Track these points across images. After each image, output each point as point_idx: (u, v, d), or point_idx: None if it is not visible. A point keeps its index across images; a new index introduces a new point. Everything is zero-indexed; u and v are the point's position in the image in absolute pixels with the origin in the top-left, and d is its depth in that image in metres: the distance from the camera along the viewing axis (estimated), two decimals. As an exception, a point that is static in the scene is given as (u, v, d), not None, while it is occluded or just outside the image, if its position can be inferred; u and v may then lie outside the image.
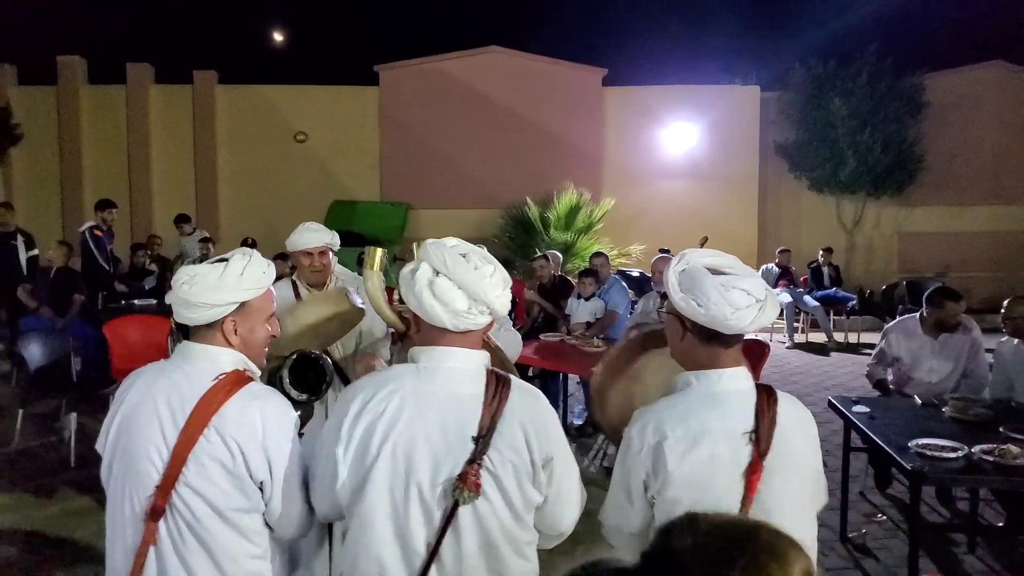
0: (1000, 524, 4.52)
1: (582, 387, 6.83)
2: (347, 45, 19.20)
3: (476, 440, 1.64)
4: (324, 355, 2.00)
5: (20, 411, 6.14)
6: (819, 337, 11.25)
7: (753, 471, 1.69)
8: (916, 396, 4.51)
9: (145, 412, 1.80)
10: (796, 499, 1.77)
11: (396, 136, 14.04)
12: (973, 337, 4.78)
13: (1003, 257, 13.84)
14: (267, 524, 1.85)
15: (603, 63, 14.35)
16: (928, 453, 3.44)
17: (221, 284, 1.84)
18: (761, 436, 1.70)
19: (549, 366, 6.05)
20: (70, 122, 13.53)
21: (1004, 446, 3.42)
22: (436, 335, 1.73)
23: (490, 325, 1.78)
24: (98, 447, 1.89)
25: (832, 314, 11.38)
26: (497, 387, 1.70)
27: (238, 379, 1.82)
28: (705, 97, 14.12)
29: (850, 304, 11.38)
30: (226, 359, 1.85)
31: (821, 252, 12.06)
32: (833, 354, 10.50)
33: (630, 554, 1.92)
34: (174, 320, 1.92)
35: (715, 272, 1.74)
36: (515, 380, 1.76)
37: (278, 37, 18.47)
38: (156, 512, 1.75)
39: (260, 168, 13.87)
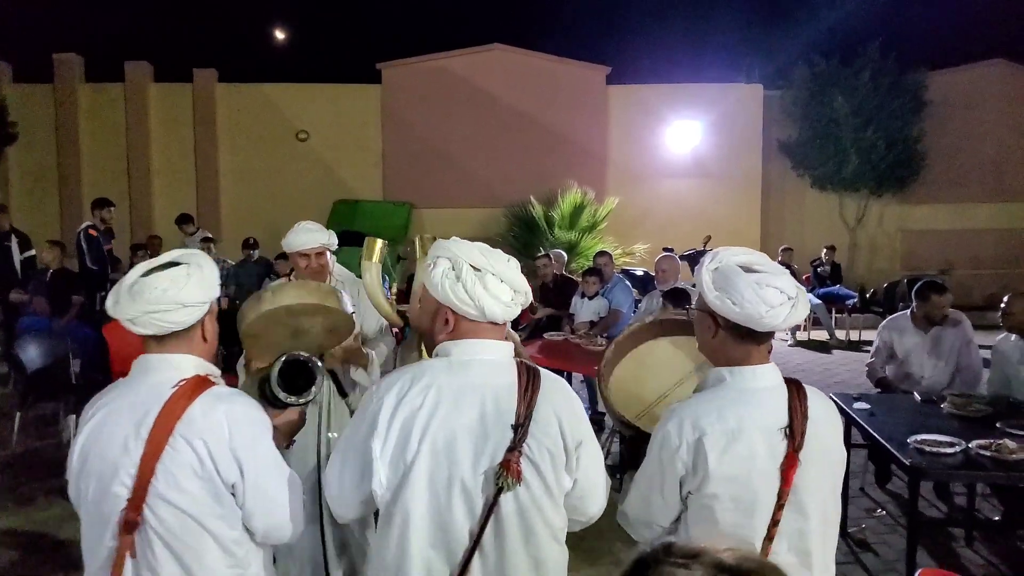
0: (997, 518, 4.56)
1: (586, 386, 6.82)
2: (349, 43, 19.20)
3: (515, 428, 1.67)
4: (314, 357, 1.98)
5: (18, 414, 6.13)
6: (821, 335, 11.24)
7: (789, 465, 1.72)
8: (916, 393, 4.51)
9: (109, 430, 1.75)
10: (829, 490, 1.82)
11: (399, 135, 14.03)
12: (963, 331, 4.81)
13: (1006, 254, 13.80)
14: (247, 530, 1.81)
15: (607, 61, 14.34)
16: (927, 449, 3.45)
17: (205, 280, 1.82)
18: (795, 431, 1.74)
19: (553, 365, 6.03)
20: (67, 121, 13.51)
21: (1001, 441, 3.45)
22: (469, 329, 1.77)
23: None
24: (68, 473, 1.83)
25: (834, 311, 11.37)
26: (529, 376, 1.74)
27: (200, 383, 1.77)
28: (709, 95, 14.09)
29: (852, 302, 11.36)
30: (187, 365, 1.81)
31: (825, 250, 12.06)
32: (835, 351, 10.49)
33: (647, 539, 1.94)
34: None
35: (748, 270, 1.77)
36: (543, 369, 1.80)
37: (279, 35, 18.47)
38: (130, 525, 1.71)
39: (261, 167, 13.85)
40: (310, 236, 3.45)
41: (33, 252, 8.90)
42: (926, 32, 16.12)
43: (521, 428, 1.68)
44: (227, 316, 3.61)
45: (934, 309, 4.77)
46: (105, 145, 13.61)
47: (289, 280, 3.59)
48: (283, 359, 1.93)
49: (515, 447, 1.67)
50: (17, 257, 8.63)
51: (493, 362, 1.76)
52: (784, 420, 1.75)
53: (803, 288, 1.82)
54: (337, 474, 1.79)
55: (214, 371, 1.87)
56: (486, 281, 1.74)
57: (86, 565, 1.83)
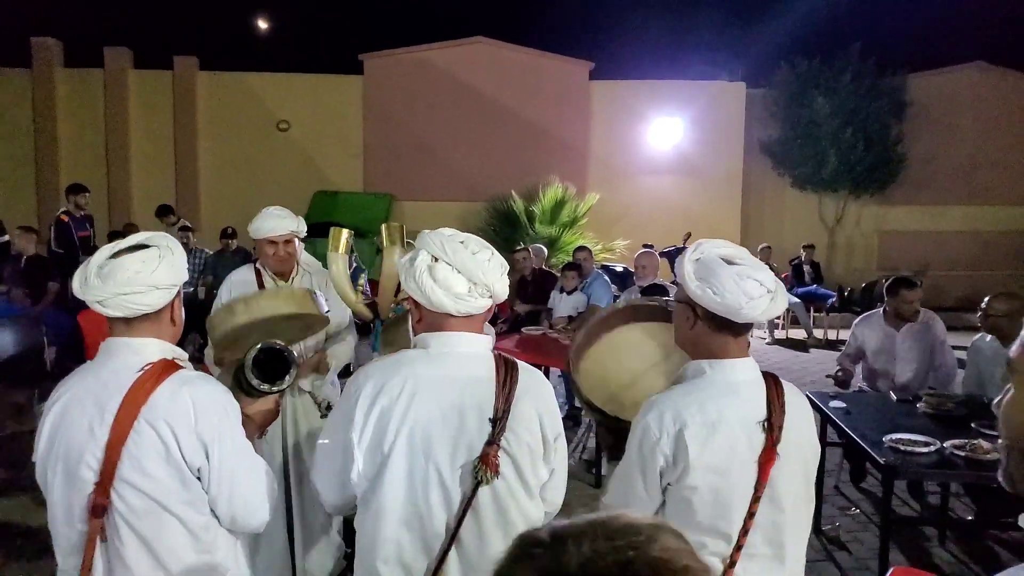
0: (970, 518, 4.61)
1: (563, 381, 6.83)
2: (332, 33, 19.04)
3: (493, 422, 1.68)
4: (288, 347, 1.95)
5: (-10, 400, 6.06)
6: (799, 333, 11.34)
7: (767, 459, 1.74)
8: (891, 392, 4.55)
9: (74, 414, 1.73)
10: (803, 484, 1.84)
11: (380, 126, 13.94)
12: (935, 330, 4.85)
13: (981, 256, 14.00)
14: (215, 515, 1.79)
15: (590, 56, 14.34)
16: (901, 448, 3.49)
17: (176, 262, 1.80)
18: (774, 424, 1.76)
19: (531, 359, 6.00)
20: (45, 106, 13.29)
21: (975, 441, 3.49)
22: (441, 321, 1.77)
23: (491, 310, 1.82)
24: (34, 457, 1.81)
25: (812, 310, 11.47)
26: (507, 370, 1.75)
27: (166, 367, 1.74)
28: (691, 92, 14.14)
29: (830, 301, 11.47)
30: (152, 349, 1.78)
31: (803, 249, 12.15)
32: (812, 350, 10.59)
33: None
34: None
35: (729, 262, 1.78)
36: (520, 363, 1.80)
37: (262, 23, 18.27)
38: (97, 509, 1.70)
39: (241, 156, 13.72)
40: (278, 223, 3.33)
41: (7, 238, 8.75)
42: (907, 34, 16.31)
43: (499, 422, 1.68)
44: (205, 306, 3.56)
45: (903, 304, 4.81)
46: (83, 131, 13.42)
47: (253, 267, 3.49)
48: (258, 347, 1.90)
49: (493, 441, 1.67)
50: None
51: (470, 355, 1.76)
52: (763, 413, 1.77)
53: (782, 284, 1.84)
54: (320, 464, 1.81)
55: (181, 354, 1.85)
56: (436, 271, 1.73)
57: (56, 549, 1.81)
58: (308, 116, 13.89)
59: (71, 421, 1.72)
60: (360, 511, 1.76)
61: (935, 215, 14.34)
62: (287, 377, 1.90)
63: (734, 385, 1.79)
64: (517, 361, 1.81)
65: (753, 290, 1.73)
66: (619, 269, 10.91)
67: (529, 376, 1.79)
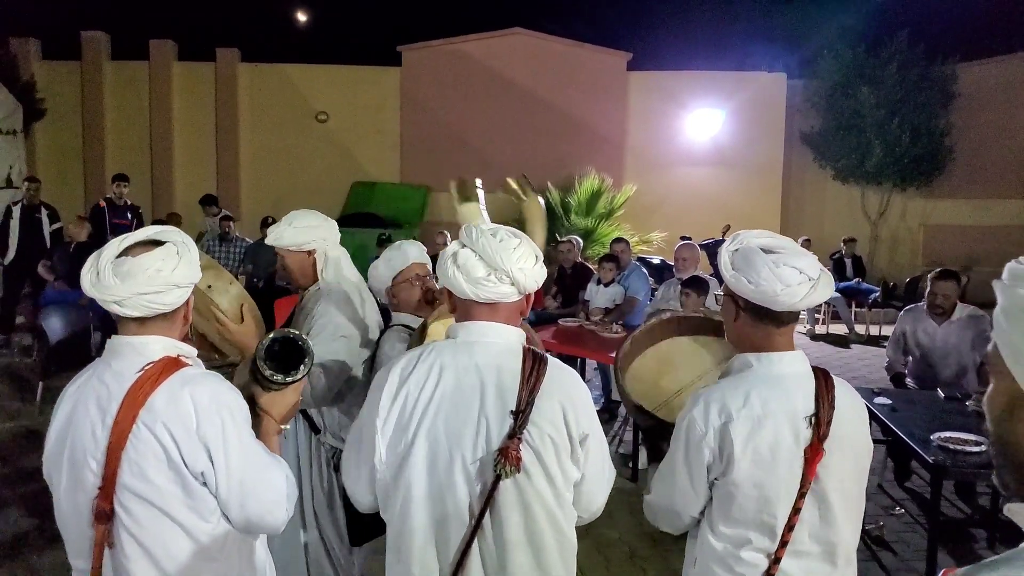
0: (1022, 521, 4.46)
1: (599, 373, 6.79)
2: (370, 25, 19.11)
3: (515, 415, 1.65)
4: (303, 335, 1.90)
5: (41, 383, 6.23)
6: (840, 328, 11.13)
7: (814, 454, 1.71)
8: (939, 389, 4.44)
9: (78, 416, 1.68)
10: (853, 482, 1.81)
11: (417, 117, 13.99)
12: (979, 325, 4.69)
13: (1031, 252, 13.57)
14: (228, 520, 1.71)
15: (628, 47, 14.21)
16: (951, 447, 3.39)
17: (192, 260, 1.75)
18: (821, 420, 1.72)
19: (567, 351, 6.02)
20: (93, 97, 13.61)
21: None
22: (468, 309, 1.76)
23: (524, 301, 1.80)
24: (44, 456, 1.76)
25: (854, 305, 11.25)
26: (534, 363, 1.71)
27: (167, 366, 1.66)
28: (730, 84, 13.93)
29: (873, 296, 11.23)
30: (156, 347, 1.70)
31: (843, 243, 11.90)
32: (854, 346, 10.39)
33: (678, 532, 1.93)
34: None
35: (768, 252, 1.76)
36: (551, 358, 1.77)
37: (301, 16, 18.43)
38: (101, 515, 1.63)
39: (281, 147, 13.88)
40: (275, 232, 2.90)
41: (61, 225, 9.02)
42: (956, 22, 15.81)
43: (521, 415, 1.65)
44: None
45: (934, 294, 4.74)
46: (129, 122, 13.71)
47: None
48: (271, 337, 1.82)
49: (514, 434, 1.64)
50: (47, 230, 8.76)
51: (499, 345, 1.74)
52: (810, 408, 1.73)
53: (827, 272, 1.80)
54: (349, 454, 1.81)
55: (188, 351, 1.78)
56: (459, 257, 1.74)
57: (68, 551, 1.76)
58: (346, 107, 14.00)
59: (77, 422, 1.68)
60: (386, 501, 1.74)
61: (984, 209, 13.93)
62: (302, 367, 1.82)
63: (780, 378, 1.76)
64: (549, 357, 1.77)
65: (790, 277, 1.71)
66: (656, 261, 10.81)
67: (558, 371, 1.75)
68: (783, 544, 1.72)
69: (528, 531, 1.68)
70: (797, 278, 1.71)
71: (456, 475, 1.66)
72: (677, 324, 2.32)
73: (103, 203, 9.04)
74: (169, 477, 1.62)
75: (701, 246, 9.14)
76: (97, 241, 8.48)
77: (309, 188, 13.54)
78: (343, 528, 2.94)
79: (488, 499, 1.64)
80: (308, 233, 2.89)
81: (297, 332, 1.87)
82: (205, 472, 1.64)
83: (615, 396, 6.28)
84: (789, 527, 1.72)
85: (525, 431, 1.65)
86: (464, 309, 1.78)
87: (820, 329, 11.24)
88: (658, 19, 19.06)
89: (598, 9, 19.01)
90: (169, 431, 1.61)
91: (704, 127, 13.99)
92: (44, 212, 8.85)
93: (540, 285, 1.82)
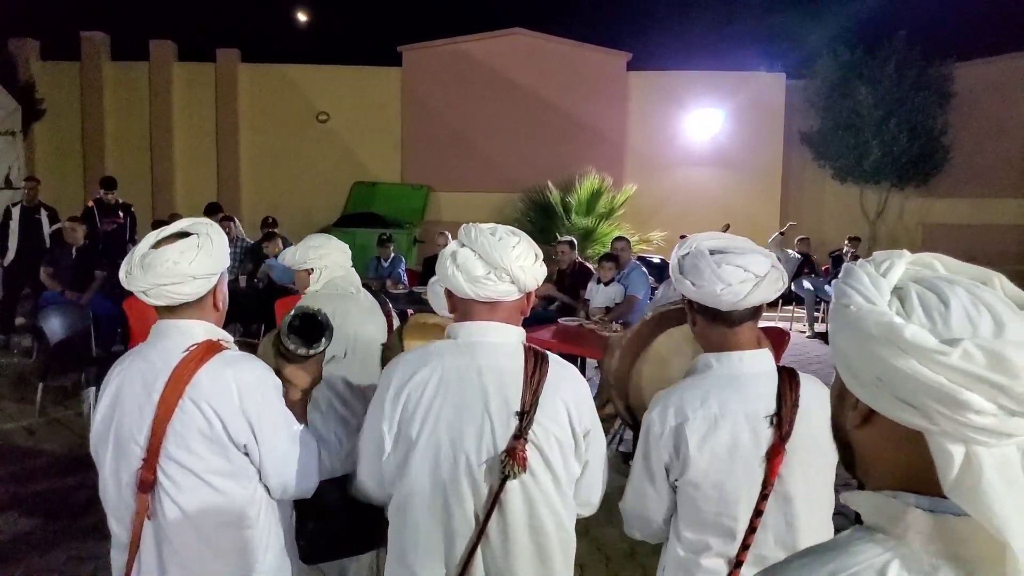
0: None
1: (600, 371, 6.81)
2: (371, 25, 19.15)
3: (520, 415, 1.64)
4: (324, 311, 2.00)
5: (40, 384, 6.23)
6: (839, 328, 11.12)
7: (775, 455, 1.67)
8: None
9: (126, 392, 1.80)
10: (820, 483, 1.76)
11: (418, 117, 14.01)
12: None
13: (1030, 251, 13.62)
14: (267, 487, 1.85)
15: (628, 47, 14.24)
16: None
17: (215, 250, 1.84)
18: (783, 419, 1.69)
19: (567, 350, 6.04)
20: (92, 98, 13.61)
21: None
22: (468, 309, 1.76)
23: (524, 300, 1.80)
24: (91, 434, 1.89)
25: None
26: (536, 362, 1.71)
27: (209, 348, 1.79)
28: (730, 84, 13.96)
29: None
30: (199, 331, 1.83)
31: (847, 241, 11.93)
32: (853, 345, 10.39)
33: (653, 540, 1.91)
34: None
35: (716, 253, 1.74)
36: (552, 355, 1.77)
37: (301, 16, 18.45)
38: (144, 484, 1.76)
39: (281, 148, 13.90)
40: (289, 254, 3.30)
41: (60, 225, 9.02)
42: (954, 22, 15.85)
43: (526, 415, 1.64)
44: (246, 295, 3.58)
45: None
46: (129, 122, 13.72)
47: None
48: (293, 313, 1.95)
49: (520, 435, 1.63)
50: (47, 230, 8.76)
51: (499, 345, 1.73)
52: (772, 407, 1.70)
53: (780, 268, 1.77)
54: (360, 455, 1.82)
55: (226, 337, 1.90)
56: (458, 256, 1.74)
57: (110, 524, 1.88)
58: (347, 108, 14.01)
59: (123, 400, 1.79)
60: (391, 503, 1.76)
61: (982, 208, 13.96)
62: (323, 340, 1.94)
63: (740, 378, 1.73)
64: (548, 354, 1.77)
65: (731, 276, 1.67)
66: (656, 261, 10.84)
67: (560, 369, 1.75)
68: (744, 547, 1.69)
69: (532, 530, 1.68)
70: (740, 276, 1.68)
71: (461, 477, 1.65)
72: (659, 320, 2.30)
73: (91, 203, 9.07)
74: (212, 449, 1.75)
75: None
76: (93, 242, 8.54)
77: (310, 188, 13.57)
78: None
79: (495, 500, 1.64)
80: (310, 252, 3.22)
81: (318, 308, 1.98)
82: (248, 444, 1.77)
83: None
84: (751, 529, 1.68)
85: (530, 431, 1.64)
86: (464, 309, 1.77)
87: (820, 327, 11.26)
88: (658, 19, 19.10)
89: (598, 9, 19.06)
90: (213, 407, 1.73)
91: (704, 127, 14.02)
92: (44, 213, 8.86)
93: (540, 283, 1.82)
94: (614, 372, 2.26)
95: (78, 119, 13.64)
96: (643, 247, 12.30)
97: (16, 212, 8.70)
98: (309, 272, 3.24)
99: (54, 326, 6.34)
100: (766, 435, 1.69)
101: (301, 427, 1.89)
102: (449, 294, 1.81)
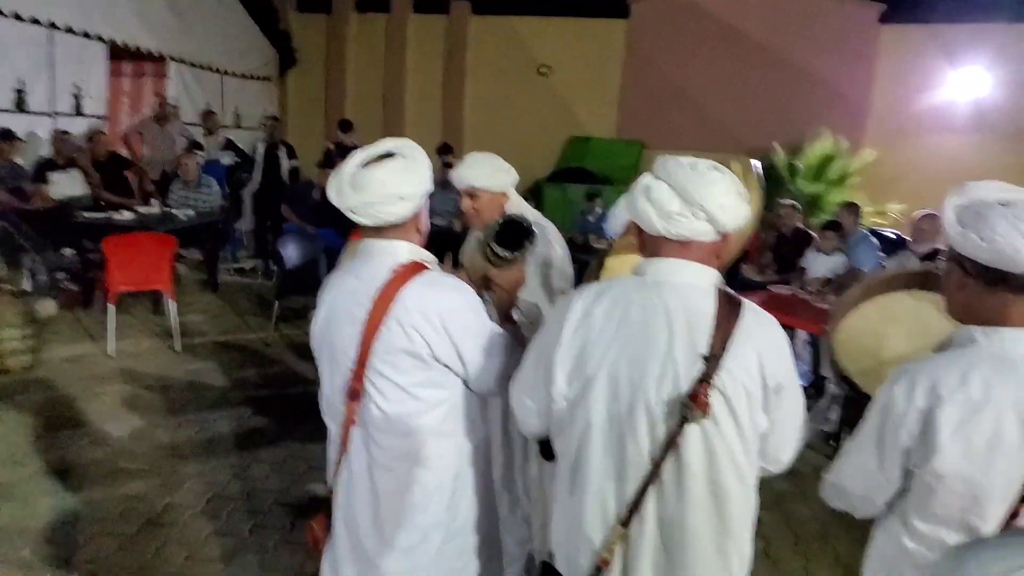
0: None
1: (810, 346, 6.31)
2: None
3: (707, 359, 1.54)
4: (528, 218, 2.16)
5: (276, 303, 6.97)
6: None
7: None
8: None
9: (338, 307, 1.94)
10: None
11: (639, 72, 13.67)
12: None
13: None
14: (466, 386, 1.97)
15: (882, -2, 12.79)
16: None
17: (419, 173, 1.89)
18: None
19: (776, 319, 5.65)
20: (337, 48, 14.71)
21: None
22: (658, 246, 1.65)
23: (721, 242, 1.65)
24: (311, 339, 2.08)
25: None
26: (730, 307, 1.59)
27: (414, 269, 1.88)
28: (1002, 38, 12.11)
29: None
30: (403, 251, 1.92)
31: None
32: None
33: (859, 516, 1.73)
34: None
35: (1006, 205, 1.45)
36: (748, 303, 1.64)
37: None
38: (354, 393, 1.91)
39: (502, 98, 14.21)
40: (456, 173, 2.87)
41: (298, 163, 9.94)
42: None
43: (713, 360, 1.53)
44: (459, 237, 3.58)
45: None
46: (368, 71, 14.69)
47: None
48: (497, 221, 2.10)
49: (705, 379, 1.52)
50: (285, 166, 9.69)
51: (690, 285, 1.61)
52: None
53: None
54: (522, 380, 1.77)
55: (429, 258, 1.98)
56: (652, 190, 1.63)
57: (326, 421, 2.09)
58: (569, 61, 13.98)
59: (337, 313, 1.94)
60: (560, 433, 1.70)
61: None
62: (527, 243, 2.07)
63: (1013, 360, 1.43)
64: (744, 300, 1.64)
65: None
66: (891, 235, 9.79)
67: (755, 316, 1.61)
68: None
69: (711, 482, 1.57)
70: None
71: (638, 416, 1.57)
72: (921, 278, 2.00)
73: (331, 146, 9.84)
74: (415, 364, 1.87)
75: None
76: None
77: (526, 141, 13.76)
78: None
79: (671, 443, 1.54)
80: (479, 173, 2.84)
81: (521, 215, 2.14)
82: (450, 361, 1.89)
83: (823, 372, 5.81)
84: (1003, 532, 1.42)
85: (716, 376, 1.52)
86: (653, 246, 1.66)
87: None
88: (921, -34, 16.97)
89: (849, -44, 17.26)
90: (417, 328, 1.84)
91: (965, 88, 12.32)
92: (283, 149, 9.77)
93: (741, 226, 1.65)
94: (841, 303, 2.09)
95: (323, 68, 14.83)
96: (877, 220, 11.17)
97: (261, 148, 9.70)
98: (486, 195, 2.84)
99: (290, 253, 7.11)
100: None
101: (500, 333, 1.97)
102: (638, 230, 1.69)
